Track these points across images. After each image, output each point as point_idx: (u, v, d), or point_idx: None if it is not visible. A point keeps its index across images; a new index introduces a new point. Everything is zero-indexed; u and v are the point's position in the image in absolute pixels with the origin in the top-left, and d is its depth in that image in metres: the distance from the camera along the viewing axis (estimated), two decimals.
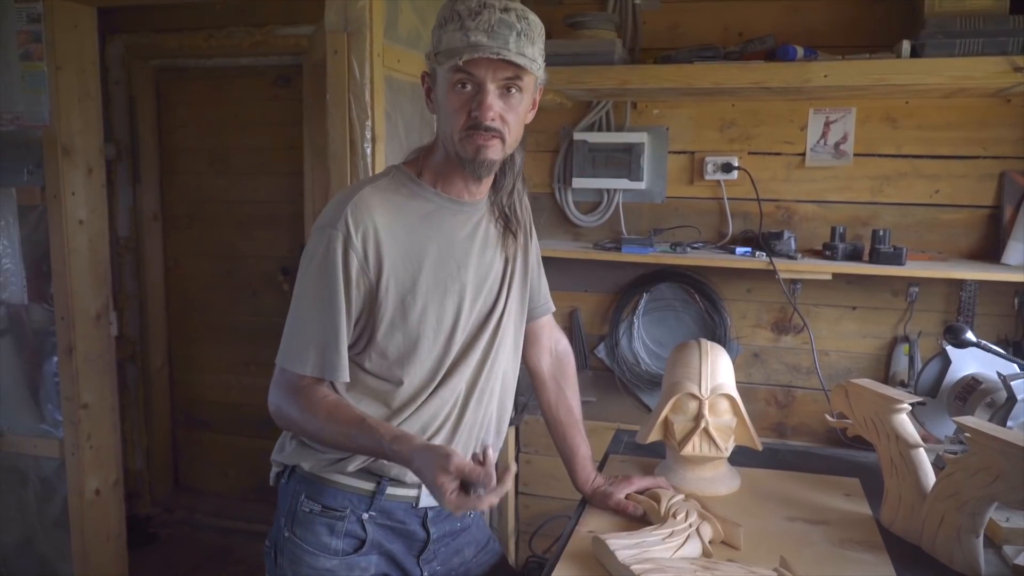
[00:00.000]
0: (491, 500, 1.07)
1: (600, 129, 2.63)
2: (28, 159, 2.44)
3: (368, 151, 1.91)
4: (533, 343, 1.56)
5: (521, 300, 1.43)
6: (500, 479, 1.07)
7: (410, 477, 1.32)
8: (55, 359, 2.51)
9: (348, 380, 1.27)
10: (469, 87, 1.20)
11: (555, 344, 1.60)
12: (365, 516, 1.33)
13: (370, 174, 1.92)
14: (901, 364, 2.46)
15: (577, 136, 2.61)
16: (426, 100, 1.30)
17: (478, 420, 1.38)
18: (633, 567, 1.17)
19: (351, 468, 1.31)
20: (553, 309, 1.59)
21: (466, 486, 1.08)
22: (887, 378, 2.48)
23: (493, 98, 1.20)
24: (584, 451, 1.56)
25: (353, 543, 1.33)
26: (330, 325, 1.24)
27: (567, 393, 1.58)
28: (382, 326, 1.27)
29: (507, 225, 1.39)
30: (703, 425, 1.49)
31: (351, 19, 1.88)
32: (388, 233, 1.24)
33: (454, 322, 1.31)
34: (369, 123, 1.90)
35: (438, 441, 1.32)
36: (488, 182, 1.34)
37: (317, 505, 1.32)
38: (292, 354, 1.26)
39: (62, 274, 2.44)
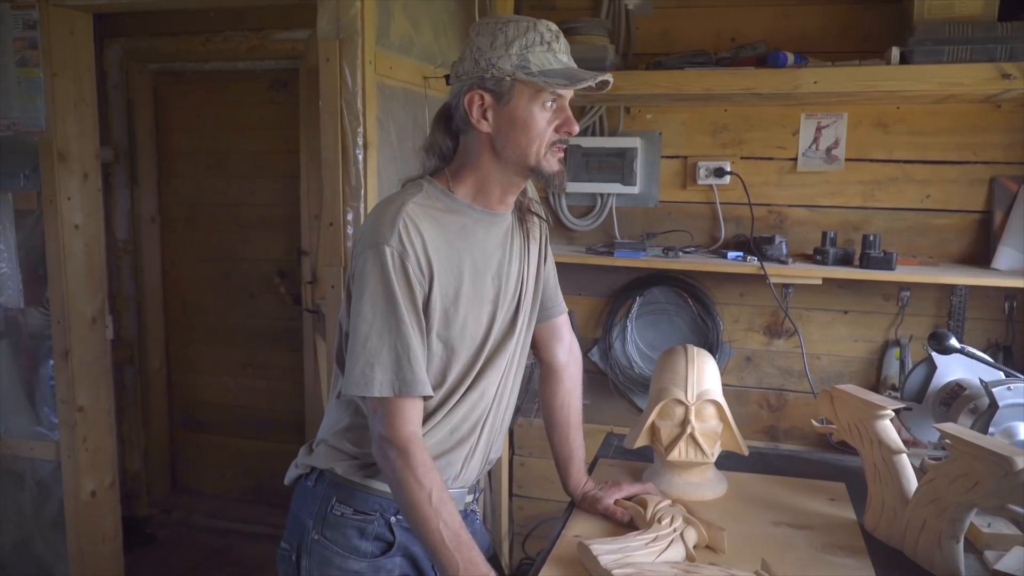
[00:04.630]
0: None
1: (594, 134, 2.65)
2: (24, 164, 2.46)
3: (360, 157, 1.92)
4: (556, 340, 1.58)
5: (535, 302, 1.46)
6: None
7: None
8: (51, 362, 2.53)
9: (432, 394, 1.27)
10: (554, 105, 1.26)
11: (572, 342, 1.62)
12: (393, 519, 1.36)
13: (362, 180, 1.94)
14: (892, 368, 2.47)
15: (571, 140, 2.61)
16: (478, 120, 1.26)
17: (498, 420, 1.42)
18: (615, 572, 1.19)
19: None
20: (567, 309, 1.62)
21: None
22: (878, 382, 2.49)
23: (571, 113, 1.28)
24: (581, 454, 1.59)
25: (381, 546, 1.36)
26: (402, 342, 1.23)
27: (577, 393, 1.61)
28: (428, 336, 1.28)
29: (528, 221, 1.42)
30: (689, 430, 1.51)
31: (343, 26, 1.89)
32: (433, 247, 1.26)
33: (488, 329, 1.34)
34: (361, 130, 1.91)
35: (466, 442, 1.36)
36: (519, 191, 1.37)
37: (348, 508, 1.35)
38: (372, 381, 1.23)
39: (58, 278, 2.46)
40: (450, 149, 1.35)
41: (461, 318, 1.30)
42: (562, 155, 1.31)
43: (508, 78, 1.23)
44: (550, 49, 1.24)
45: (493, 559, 1.56)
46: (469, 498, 1.46)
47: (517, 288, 1.40)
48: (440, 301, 1.27)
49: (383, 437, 1.24)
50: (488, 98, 1.26)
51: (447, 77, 1.33)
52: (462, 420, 1.34)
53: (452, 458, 1.36)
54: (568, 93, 1.27)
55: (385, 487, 1.34)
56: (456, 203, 1.32)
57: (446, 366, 1.31)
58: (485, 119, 1.27)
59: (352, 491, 1.35)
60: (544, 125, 1.26)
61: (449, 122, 1.33)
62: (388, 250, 1.22)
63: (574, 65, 1.28)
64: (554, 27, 1.27)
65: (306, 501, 1.39)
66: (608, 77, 1.28)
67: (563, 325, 1.60)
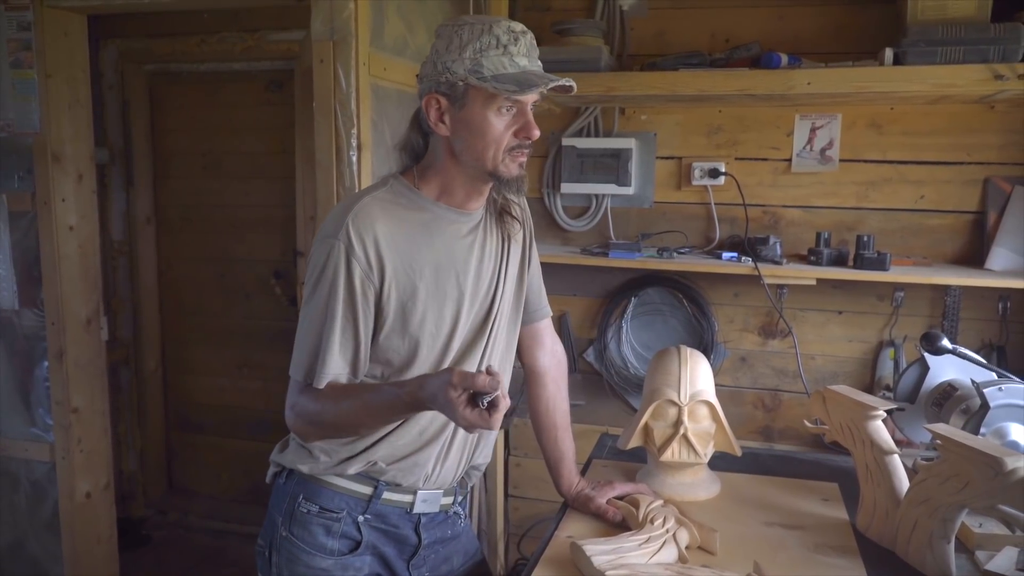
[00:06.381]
0: (497, 416, 1.07)
1: (588, 135, 2.65)
2: (19, 165, 2.46)
3: (354, 159, 1.92)
4: (537, 345, 1.59)
5: (515, 304, 1.45)
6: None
7: (407, 481, 1.36)
8: (45, 364, 2.53)
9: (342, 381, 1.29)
10: (513, 109, 1.24)
11: (554, 345, 1.62)
12: (360, 519, 1.36)
13: (356, 181, 1.94)
14: (887, 368, 2.47)
15: (566, 142, 2.62)
16: (435, 123, 1.26)
17: None
18: (608, 573, 1.19)
19: (351, 471, 1.34)
20: (551, 313, 1.62)
21: (475, 399, 1.08)
22: (873, 382, 2.50)
23: (532, 117, 1.26)
24: (571, 455, 1.59)
25: (348, 544, 1.36)
26: (326, 334, 1.25)
27: (563, 395, 1.61)
28: (383, 332, 1.29)
29: (506, 222, 1.41)
30: (682, 431, 1.51)
31: (337, 28, 1.89)
32: (389, 242, 1.26)
33: (452, 328, 1.33)
34: (355, 131, 1.91)
35: (435, 442, 1.36)
36: (488, 191, 1.36)
37: (315, 506, 1.35)
38: (297, 365, 1.29)
39: (52, 280, 2.46)
40: (422, 148, 1.35)
41: (419, 314, 1.29)
42: (523, 159, 1.28)
43: (461, 83, 1.21)
44: (506, 52, 1.20)
45: (481, 563, 1.56)
46: (447, 500, 1.44)
47: (491, 288, 1.38)
48: (396, 296, 1.27)
49: (289, 406, 1.30)
50: (444, 102, 1.25)
51: (418, 77, 1.32)
52: (431, 420, 1.34)
53: (421, 458, 1.35)
54: (528, 97, 1.23)
55: (352, 486, 1.35)
56: (421, 200, 1.32)
57: (408, 362, 1.31)
58: (442, 123, 1.26)
59: (318, 489, 1.36)
60: (501, 130, 1.24)
61: (422, 122, 1.33)
62: (333, 243, 1.24)
63: (534, 67, 1.24)
64: (517, 28, 1.23)
65: (277, 498, 1.40)
66: (567, 81, 1.23)
67: (545, 329, 1.59)
